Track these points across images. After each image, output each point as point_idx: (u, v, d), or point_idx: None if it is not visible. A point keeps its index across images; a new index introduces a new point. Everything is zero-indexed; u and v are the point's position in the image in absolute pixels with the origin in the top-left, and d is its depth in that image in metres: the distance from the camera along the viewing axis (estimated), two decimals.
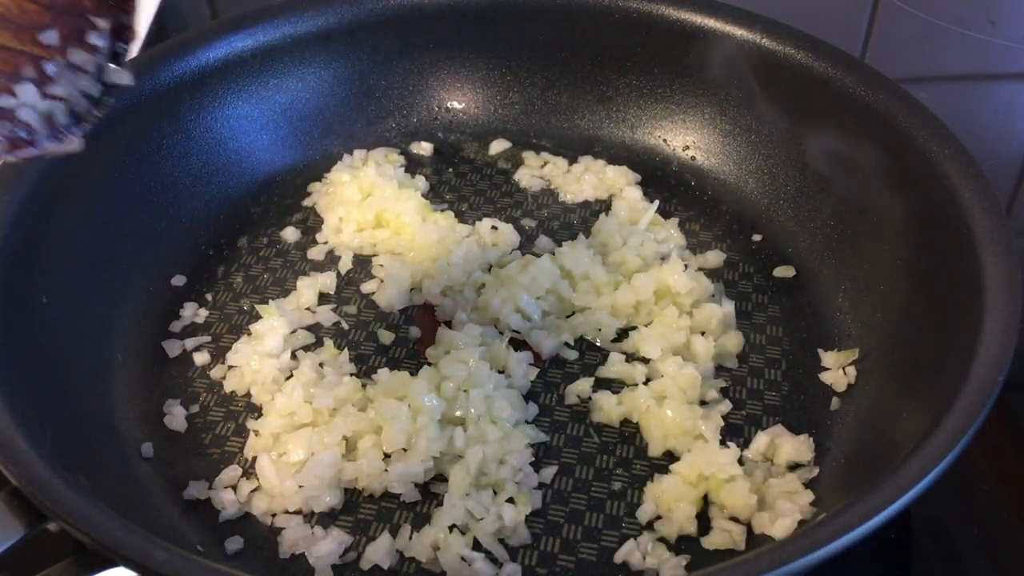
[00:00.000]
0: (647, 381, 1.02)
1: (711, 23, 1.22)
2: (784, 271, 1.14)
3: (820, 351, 1.05)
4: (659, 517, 0.91)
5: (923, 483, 0.74)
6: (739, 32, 1.21)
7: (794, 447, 0.95)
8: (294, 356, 1.06)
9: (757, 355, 1.06)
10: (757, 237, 1.19)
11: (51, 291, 0.99)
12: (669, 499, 0.91)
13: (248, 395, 1.03)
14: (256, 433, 0.98)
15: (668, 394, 0.99)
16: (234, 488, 0.94)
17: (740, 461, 0.94)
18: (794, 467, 0.95)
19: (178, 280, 1.15)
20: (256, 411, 1.01)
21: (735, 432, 0.99)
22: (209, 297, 1.14)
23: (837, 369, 1.02)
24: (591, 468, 0.96)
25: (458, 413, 0.96)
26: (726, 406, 1.01)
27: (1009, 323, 0.84)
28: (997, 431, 1.01)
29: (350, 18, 1.29)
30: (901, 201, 1.04)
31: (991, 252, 0.91)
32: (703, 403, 1.00)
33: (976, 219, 0.94)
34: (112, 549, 0.70)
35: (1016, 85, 1.57)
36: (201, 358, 1.07)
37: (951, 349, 0.87)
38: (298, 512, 0.92)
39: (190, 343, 1.08)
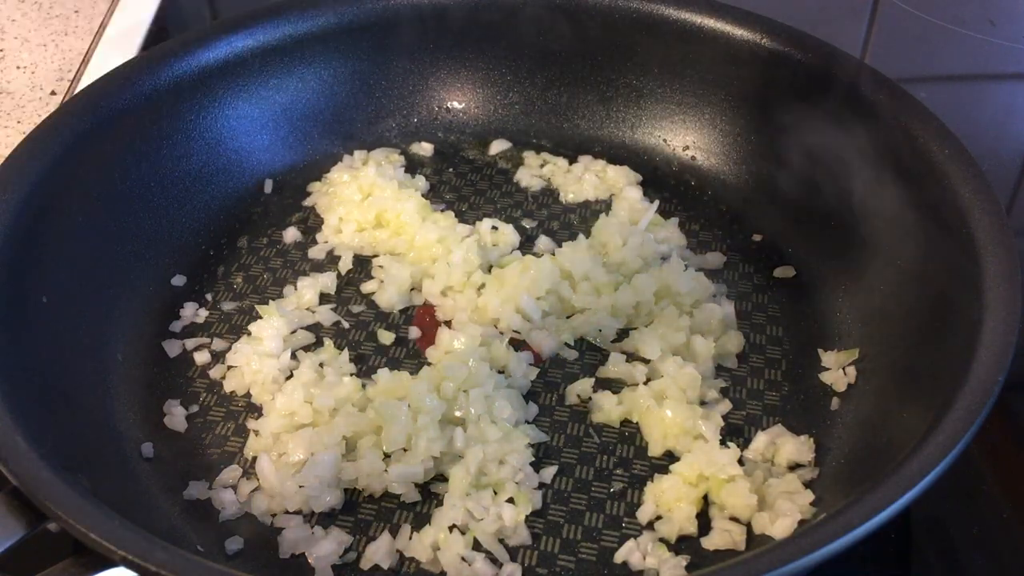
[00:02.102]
0: (647, 381, 1.02)
1: (711, 23, 1.22)
2: (784, 271, 1.14)
3: (820, 351, 1.05)
4: (659, 517, 0.91)
5: (923, 483, 0.74)
6: (739, 32, 1.21)
7: (794, 447, 0.95)
8: (294, 356, 1.06)
9: (757, 355, 1.06)
10: (757, 237, 1.19)
11: (51, 291, 0.99)
12: (669, 499, 0.91)
13: (248, 395, 1.03)
14: (256, 433, 0.98)
15: (668, 394, 0.99)
16: (234, 488, 0.94)
17: (740, 461, 0.94)
18: (794, 467, 0.95)
19: (178, 280, 1.15)
20: (256, 411, 1.01)
21: (735, 432, 0.99)
22: (209, 297, 1.14)
23: (837, 369, 1.02)
24: (591, 468, 0.96)
25: (458, 413, 0.96)
26: (726, 406, 1.01)
27: (1009, 323, 0.84)
28: (997, 431, 1.01)
29: (350, 18, 1.29)
30: (901, 201, 1.04)
31: (991, 252, 0.91)
32: (703, 403, 1.00)
33: (976, 219, 0.94)
34: (112, 549, 0.70)
35: (1016, 85, 1.57)
36: (201, 358, 1.07)
37: (951, 349, 0.87)
38: (298, 512, 0.92)
39: (190, 343, 1.08)
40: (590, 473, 0.96)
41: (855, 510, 0.73)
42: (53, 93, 1.42)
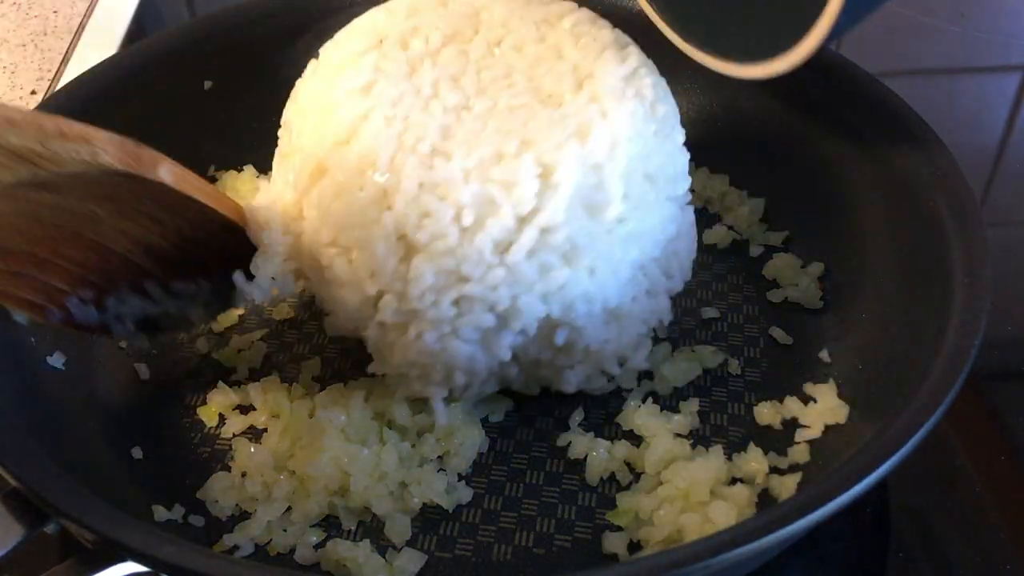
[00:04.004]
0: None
1: None
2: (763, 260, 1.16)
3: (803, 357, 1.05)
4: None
5: (899, 454, 0.76)
6: None
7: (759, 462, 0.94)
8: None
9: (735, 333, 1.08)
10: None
11: None
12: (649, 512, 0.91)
13: (244, 394, 1.02)
14: (251, 433, 0.99)
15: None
16: (231, 488, 0.93)
17: (732, 479, 0.94)
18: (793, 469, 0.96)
19: None
20: (250, 410, 1.01)
21: (718, 434, 0.99)
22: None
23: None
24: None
25: None
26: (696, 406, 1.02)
27: (980, 296, 0.87)
28: (976, 419, 1.03)
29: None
30: (872, 178, 1.07)
31: (960, 234, 0.93)
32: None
33: (948, 208, 0.96)
34: (121, 545, 0.71)
35: (988, 77, 1.59)
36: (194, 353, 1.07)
37: (925, 325, 0.89)
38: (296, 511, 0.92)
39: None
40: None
41: (803, 501, 0.74)
42: (33, 92, 1.42)
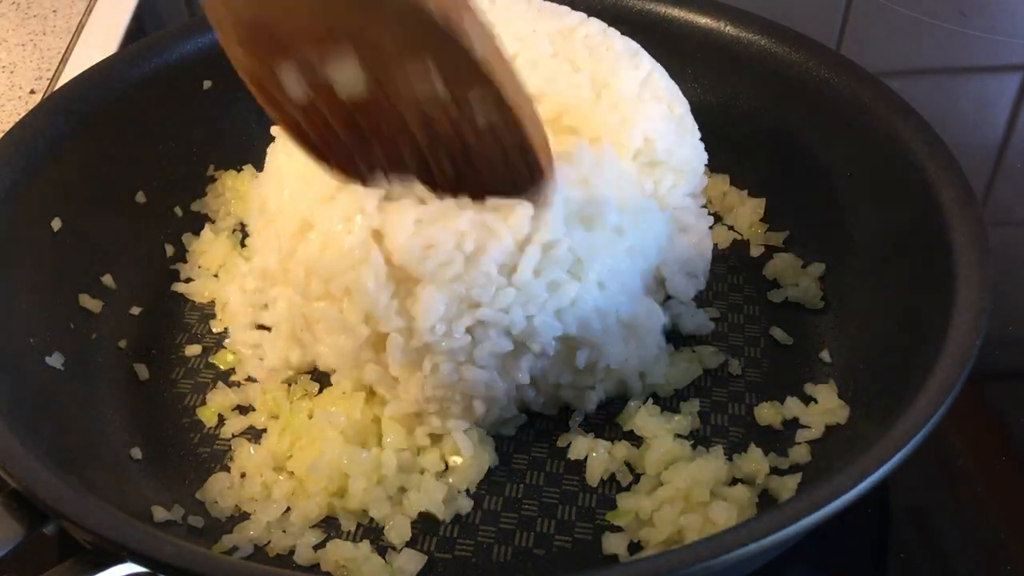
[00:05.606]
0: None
1: (677, 13, 1.23)
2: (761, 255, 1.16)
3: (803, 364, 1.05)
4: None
5: (899, 456, 0.75)
6: (703, 21, 1.22)
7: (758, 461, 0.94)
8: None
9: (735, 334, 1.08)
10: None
11: (28, 296, 0.98)
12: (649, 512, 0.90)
13: (243, 394, 1.02)
14: (250, 434, 0.98)
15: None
16: (230, 489, 0.93)
17: (734, 480, 0.93)
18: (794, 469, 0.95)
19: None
20: (250, 411, 1.01)
21: (719, 434, 0.99)
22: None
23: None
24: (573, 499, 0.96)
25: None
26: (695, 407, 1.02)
27: (980, 296, 0.87)
28: (976, 420, 1.03)
29: None
30: (869, 180, 1.07)
31: (961, 234, 0.93)
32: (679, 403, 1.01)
33: (949, 207, 0.96)
34: (121, 545, 0.71)
35: (989, 77, 1.59)
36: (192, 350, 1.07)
37: (926, 325, 0.89)
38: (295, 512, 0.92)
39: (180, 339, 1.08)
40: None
41: (804, 502, 0.74)
42: (32, 92, 1.42)
